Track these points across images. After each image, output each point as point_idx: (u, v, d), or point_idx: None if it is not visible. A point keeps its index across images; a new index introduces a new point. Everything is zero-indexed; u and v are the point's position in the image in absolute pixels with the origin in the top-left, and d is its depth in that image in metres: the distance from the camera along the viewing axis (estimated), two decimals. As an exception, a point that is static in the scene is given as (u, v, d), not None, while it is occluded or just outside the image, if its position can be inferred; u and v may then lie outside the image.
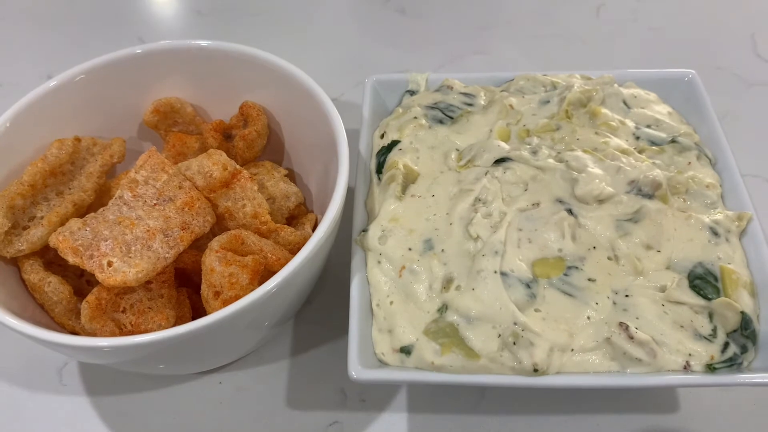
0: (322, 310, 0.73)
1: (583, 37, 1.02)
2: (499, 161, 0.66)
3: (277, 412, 0.66)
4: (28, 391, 0.68)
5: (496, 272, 0.57)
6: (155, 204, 0.62)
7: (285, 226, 0.66)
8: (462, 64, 0.99)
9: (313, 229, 0.70)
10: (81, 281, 0.67)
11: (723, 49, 0.99)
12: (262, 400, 0.67)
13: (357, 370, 0.55)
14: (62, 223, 0.62)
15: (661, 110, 0.72)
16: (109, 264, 0.58)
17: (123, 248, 0.59)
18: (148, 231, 0.60)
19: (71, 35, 1.07)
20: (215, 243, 0.60)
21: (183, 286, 0.66)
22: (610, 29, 1.03)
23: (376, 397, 0.66)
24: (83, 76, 0.70)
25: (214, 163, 0.64)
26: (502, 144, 0.67)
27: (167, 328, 0.61)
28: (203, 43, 0.71)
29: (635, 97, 0.73)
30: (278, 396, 0.67)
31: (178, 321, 0.62)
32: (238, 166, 0.65)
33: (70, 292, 0.62)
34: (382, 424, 0.65)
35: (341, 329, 0.70)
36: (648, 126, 0.70)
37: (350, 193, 0.65)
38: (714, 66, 0.96)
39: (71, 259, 0.58)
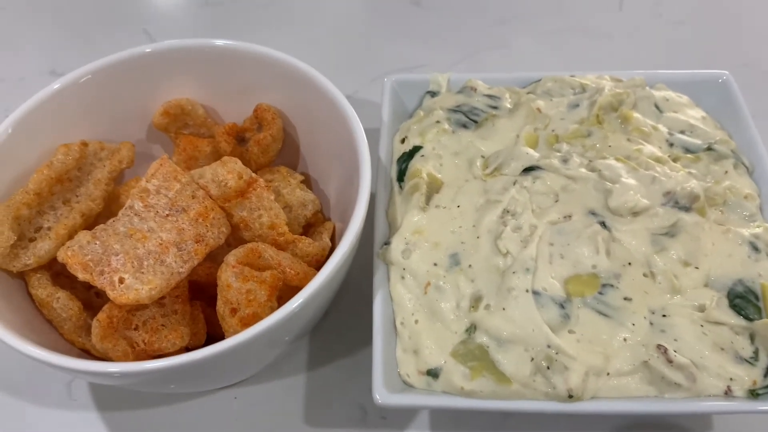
0: (339, 322, 0.70)
1: (606, 32, 0.98)
2: (527, 170, 0.63)
3: (294, 429, 0.64)
4: (37, 406, 0.66)
5: (528, 291, 0.55)
6: (167, 215, 0.59)
7: (303, 237, 0.63)
8: (480, 60, 0.95)
9: (332, 238, 0.67)
10: (89, 294, 0.64)
11: (751, 44, 0.95)
12: (278, 416, 0.65)
13: (383, 394, 0.52)
14: (70, 235, 0.59)
15: (694, 115, 0.69)
16: (121, 281, 0.55)
17: (135, 263, 0.56)
18: (161, 244, 0.57)
19: (75, 27, 1.04)
20: (231, 257, 0.57)
21: (196, 299, 0.63)
22: (633, 24, 1.00)
23: (397, 414, 0.64)
24: (89, 76, 0.67)
25: (228, 172, 0.61)
26: (531, 151, 0.64)
27: (182, 346, 0.58)
28: (218, 42, 0.68)
29: (667, 100, 0.70)
30: (295, 413, 0.65)
31: (193, 338, 0.60)
32: (253, 175, 0.62)
33: (79, 309, 0.59)
34: (404, 443, 0.63)
35: (359, 342, 0.68)
36: (681, 132, 0.67)
37: (370, 201, 0.62)
38: (741, 63, 0.92)
39: (81, 276, 0.55)
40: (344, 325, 0.70)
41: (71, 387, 0.67)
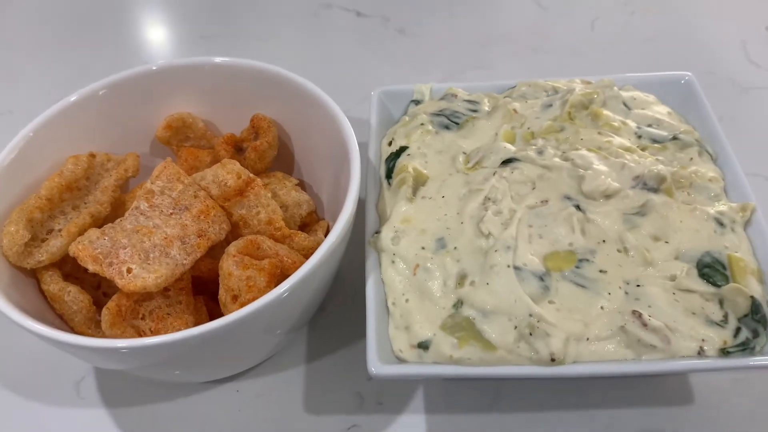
0: (335, 316, 0.74)
1: (580, 50, 1.05)
2: (506, 162, 0.67)
3: (296, 417, 0.66)
4: (46, 406, 0.69)
5: (509, 266, 0.59)
6: (171, 213, 0.63)
7: (298, 232, 0.67)
8: (463, 79, 1.01)
9: (326, 235, 0.71)
10: (98, 293, 0.68)
11: (716, 57, 1.02)
12: (280, 406, 0.67)
13: (377, 366, 0.56)
14: (81, 234, 0.63)
15: (660, 110, 0.74)
16: (129, 270, 0.59)
17: (141, 255, 0.60)
18: (165, 238, 0.61)
19: (76, 62, 1.10)
20: (232, 248, 0.61)
21: (199, 294, 0.67)
22: (606, 41, 1.06)
23: (392, 399, 0.67)
24: (104, 90, 0.72)
25: (228, 172, 0.66)
26: (509, 146, 0.69)
27: (186, 332, 0.62)
28: (217, 59, 0.73)
29: (635, 99, 0.75)
30: (296, 402, 0.67)
31: (196, 326, 0.63)
32: (251, 175, 0.66)
33: (89, 301, 0.62)
34: (399, 426, 0.65)
35: (355, 334, 0.71)
36: (649, 125, 0.72)
37: (360, 200, 0.66)
38: (708, 72, 0.98)
39: (91, 267, 0.59)
40: (341, 319, 0.73)
41: (79, 386, 0.70)
